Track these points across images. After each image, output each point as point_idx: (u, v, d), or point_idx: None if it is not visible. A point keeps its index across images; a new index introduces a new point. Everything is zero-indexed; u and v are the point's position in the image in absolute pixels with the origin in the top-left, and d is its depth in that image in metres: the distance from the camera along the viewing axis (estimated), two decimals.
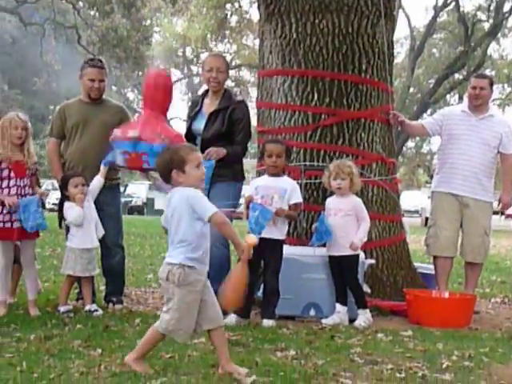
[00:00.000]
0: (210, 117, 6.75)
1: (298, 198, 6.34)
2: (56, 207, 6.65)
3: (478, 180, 7.24)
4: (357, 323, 6.19)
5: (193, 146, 4.62)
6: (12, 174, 6.35)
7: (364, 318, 6.29)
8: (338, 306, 6.38)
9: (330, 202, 6.50)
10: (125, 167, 6.55)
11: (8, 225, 6.30)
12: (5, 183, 6.34)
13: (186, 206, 4.24)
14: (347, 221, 6.35)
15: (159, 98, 6.39)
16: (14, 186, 6.33)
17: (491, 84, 7.45)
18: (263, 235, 6.08)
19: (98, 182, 6.58)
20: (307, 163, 7.00)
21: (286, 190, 6.26)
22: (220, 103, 6.76)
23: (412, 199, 36.39)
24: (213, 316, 4.37)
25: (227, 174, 6.61)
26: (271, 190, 6.26)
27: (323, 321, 6.25)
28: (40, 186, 6.76)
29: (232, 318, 6.09)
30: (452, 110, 8.02)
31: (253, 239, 4.41)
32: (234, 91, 47.52)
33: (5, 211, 6.28)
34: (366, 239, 6.45)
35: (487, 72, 39.32)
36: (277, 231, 6.22)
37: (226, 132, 6.65)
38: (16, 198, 6.26)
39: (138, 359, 4.36)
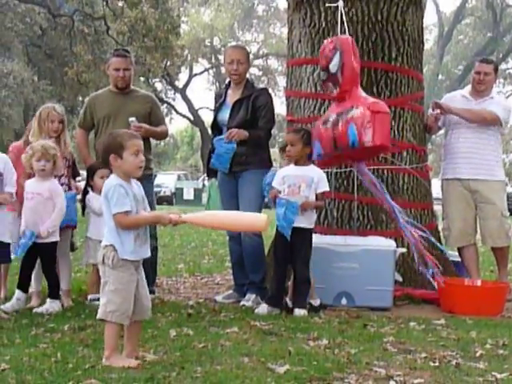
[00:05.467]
0: (234, 106, 6.76)
1: (325, 186, 6.31)
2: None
3: (480, 160, 7.15)
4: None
5: (134, 133, 4.61)
6: None
7: None
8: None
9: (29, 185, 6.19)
10: None
11: None
12: None
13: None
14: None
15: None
16: None
17: (496, 69, 7.37)
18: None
19: None
20: None
21: (313, 179, 6.23)
22: (243, 92, 6.78)
23: None
24: (145, 309, 4.42)
25: (254, 162, 6.61)
26: (298, 179, 6.23)
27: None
28: (79, 175, 6.83)
29: (264, 308, 6.11)
30: (452, 96, 7.80)
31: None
32: (261, 80, 47.38)
33: None
34: (55, 228, 6.12)
35: None
36: (305, 220, 6.19)
37: (250, 119, 6.65)
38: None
39: (116, 356, 4.28)
